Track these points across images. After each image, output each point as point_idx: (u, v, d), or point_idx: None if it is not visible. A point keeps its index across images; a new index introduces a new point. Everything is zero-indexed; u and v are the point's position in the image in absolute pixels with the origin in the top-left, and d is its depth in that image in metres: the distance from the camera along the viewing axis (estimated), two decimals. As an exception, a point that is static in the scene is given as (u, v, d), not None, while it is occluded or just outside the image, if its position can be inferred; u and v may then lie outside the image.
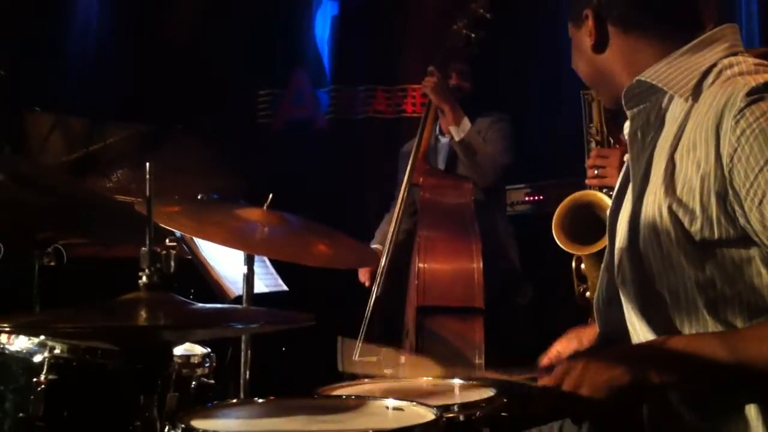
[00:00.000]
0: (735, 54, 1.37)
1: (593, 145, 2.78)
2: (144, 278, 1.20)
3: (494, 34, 3.38)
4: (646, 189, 1.39)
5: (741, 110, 1.25)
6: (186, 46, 4.67)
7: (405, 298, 3.34)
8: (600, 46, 1.45)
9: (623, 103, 1.46)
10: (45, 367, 1.94)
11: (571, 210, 2.69)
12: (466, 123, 3.41)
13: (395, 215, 3.31)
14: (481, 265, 3.06)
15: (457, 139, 3.42)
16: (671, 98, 1.39)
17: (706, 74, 1.36)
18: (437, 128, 3.61)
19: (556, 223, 2.68)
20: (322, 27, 4.77)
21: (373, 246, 3.49)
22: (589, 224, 2.62)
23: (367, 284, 3.43)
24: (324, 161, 4.56)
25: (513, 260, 3.58)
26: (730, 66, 1.34)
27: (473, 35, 3.32)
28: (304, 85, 4.75)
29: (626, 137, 1.51)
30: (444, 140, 3.62)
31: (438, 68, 3.43)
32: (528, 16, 4.48)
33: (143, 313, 1.14)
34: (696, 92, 1.35)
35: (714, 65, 1.36)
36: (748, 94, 1.26)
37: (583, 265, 2.80)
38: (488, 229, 3.31)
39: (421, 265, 3.10)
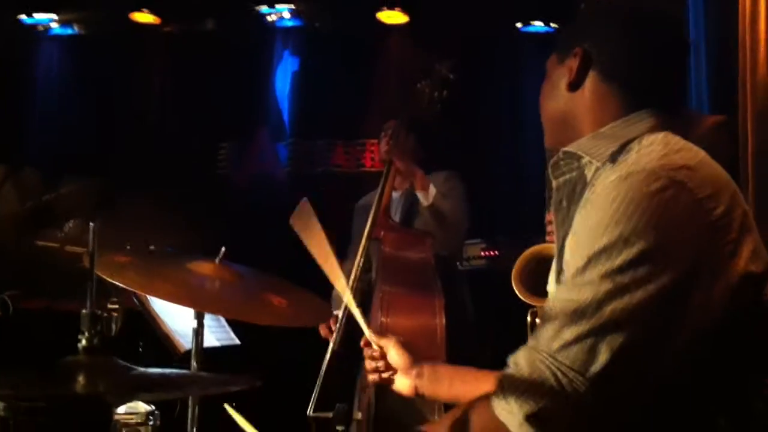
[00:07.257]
0: (657, 131, 1.36)
1: (553, 200, 2.81)
2: (84, 341, 1.17)
3: (458, 92, 3.40)
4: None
5: (607, 182, 1.27)
6: (146, 100, 4.68)
7: (363, 353, 3.28)
8: (575, 86, 1.46)
9: (550, 172, 1.47)
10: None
11: (531, 262, 2.70)
12: (433, 189, 3.40)
13: (354, 268, 3.26)
14: (444, 321, 3.02)
15: (425, 204, 3.39)
16: (597, 169, 1.39)
17: (625, 145, 1.35)
18: None
19: (515, 274, 2.70)
20: (283, 82, 4.80)
21: (335, 312, 3.42)
22: (547, 277, 2.63)
23: (329, 338, 3.35)
24: (282, 215, 4.53)
25: (470, 315, 3.57)
26: (650, 144, 1.33)
27: (437, 94, 3.33)
28: (266, 142, 4.75)
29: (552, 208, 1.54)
30: (395, 195, 3.61)
31: (402, 127, 3.42)
32: (493, 76, 4.57)
33: (81, 379, 1.10)
34: (612, 159, 1.35)
35: (635, 138, 1.36)
36: (624, 172, 1.26)
37: (538, 320, 2.80)
38: (447, 284, 3.30)
39: (383, 319, 3.04)
